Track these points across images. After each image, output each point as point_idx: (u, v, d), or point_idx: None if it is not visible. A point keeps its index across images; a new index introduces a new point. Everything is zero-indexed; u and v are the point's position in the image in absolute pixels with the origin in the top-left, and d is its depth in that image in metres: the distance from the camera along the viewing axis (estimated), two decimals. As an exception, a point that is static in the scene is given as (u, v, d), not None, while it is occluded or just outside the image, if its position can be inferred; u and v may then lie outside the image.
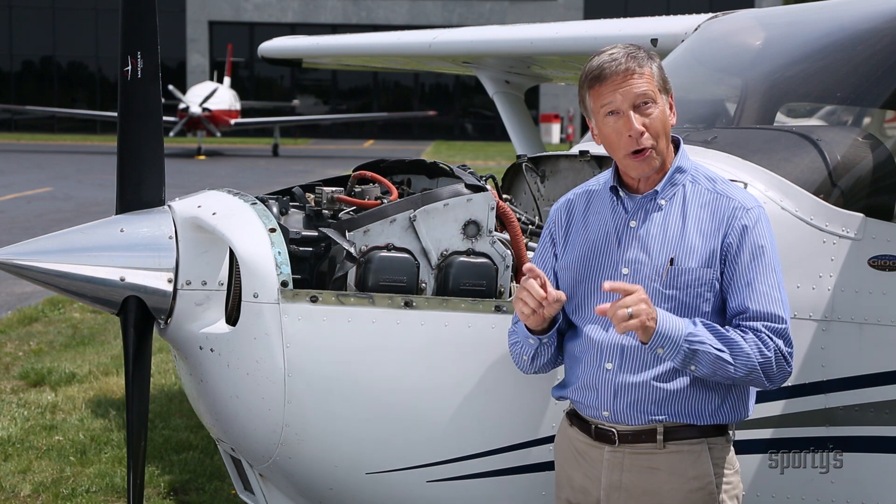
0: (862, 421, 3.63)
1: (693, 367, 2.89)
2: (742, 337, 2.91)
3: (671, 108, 3.03)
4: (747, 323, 2.94)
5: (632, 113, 2.95)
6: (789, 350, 2.95)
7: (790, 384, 3.55)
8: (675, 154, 3.07)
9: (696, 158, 3.33)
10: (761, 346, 2.91)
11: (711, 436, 3.02)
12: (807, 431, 3.61)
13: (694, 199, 3.02)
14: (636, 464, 3.01)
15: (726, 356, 2.88)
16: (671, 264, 2.96)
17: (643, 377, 2.97)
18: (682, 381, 2.97)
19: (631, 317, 2.79)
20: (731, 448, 3.08)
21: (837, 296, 3.59)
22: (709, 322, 2.93)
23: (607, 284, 2.86)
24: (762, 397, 3.38)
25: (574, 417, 3.13)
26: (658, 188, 3.02)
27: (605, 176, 3.15)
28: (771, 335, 2.92)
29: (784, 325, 2.95)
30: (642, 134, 2.95)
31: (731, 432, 3.08)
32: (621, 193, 3.07)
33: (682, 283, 2.96)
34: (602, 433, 3.04)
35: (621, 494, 3.02)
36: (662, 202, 3.03)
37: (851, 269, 3.61)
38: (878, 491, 3.66)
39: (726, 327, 2.95)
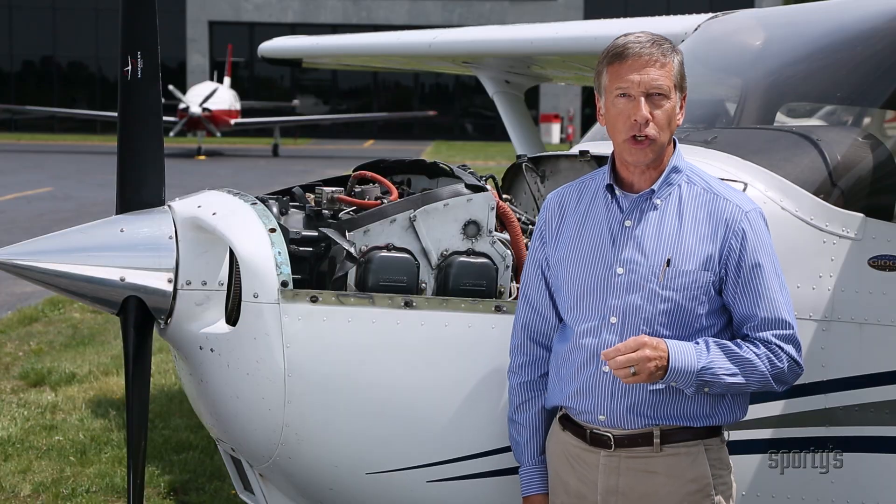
0: (862, 421, 3.63)
1: (706, 390, 2.93)
2: (755, 353, 2.94)
3: (681, 108, 3.02)
4: (757, 334, 2.96)
5: (643, 99, 2.93)
6: (799, 353, 3.00)
7: (790, 384, 3.55)
8: (672, 153, 3.06)
9: (697, 158, 3.33)
10: (773, 358, 2.95)
11: (706, 437, 3.02)
12: (807, 431, 3.61)
13: (690, 199, 3.01)
14: (633, 467, 3.00)
15: (738, 378, 2.92)
16: (668, 265, 2.96)
17: None
18: None
19: (635, 374, 2.82)
20: (725, 448, 3.09)
21: (837, 296, 3.59)
22: (719, 340, 2.95)
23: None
24: (762, 397, 3.38)
25: (566, 422, 3.11)
26: (655, 187, 3.01)
27: (600, 172, 3.14)
28: (781, 343, 2.95)
29: (792, 331, 2.97)
30: (647, 122, 2.93)
31: (725, 433, 3.09)
32: (617, 192, 3.05)
33: (679, 285, 2.95)
34: (597, 438, 3.03)
35: (619, 499, 3.01)
36: (658, 202, 3.01)
37: (851, 270, 3.60)
38: (878, 491, 3.66)
39: (737, 341, 2.96)
